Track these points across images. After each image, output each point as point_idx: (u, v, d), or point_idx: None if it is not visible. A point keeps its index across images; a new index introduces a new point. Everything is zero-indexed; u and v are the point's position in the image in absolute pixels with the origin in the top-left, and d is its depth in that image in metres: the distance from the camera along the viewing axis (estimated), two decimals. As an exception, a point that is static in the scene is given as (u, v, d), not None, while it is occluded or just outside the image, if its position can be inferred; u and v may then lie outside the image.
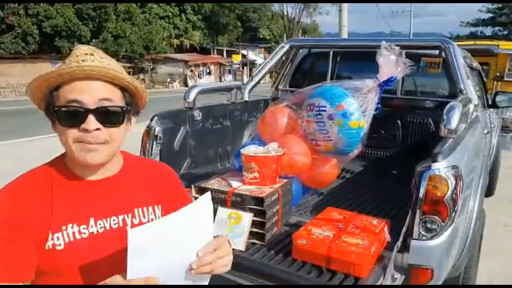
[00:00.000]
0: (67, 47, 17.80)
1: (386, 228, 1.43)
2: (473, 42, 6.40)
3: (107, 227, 0.75)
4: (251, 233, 1.44)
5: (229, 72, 27.40)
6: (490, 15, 25.01)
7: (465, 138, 1.56)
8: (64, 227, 0.71)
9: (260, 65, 2.85)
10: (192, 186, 1.60)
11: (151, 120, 1.83)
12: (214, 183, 1.63)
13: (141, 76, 22.46)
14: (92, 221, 0.73)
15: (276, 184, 1.60)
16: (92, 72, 0.69)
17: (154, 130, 1.79)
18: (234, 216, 1.46)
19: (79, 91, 0.69)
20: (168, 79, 24.04)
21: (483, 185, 1.71)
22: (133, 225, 0.78)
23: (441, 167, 1.26)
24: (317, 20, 42.88)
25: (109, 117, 0.71)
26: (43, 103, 0.73)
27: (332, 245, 1.28)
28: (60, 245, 0.70)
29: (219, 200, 1.53)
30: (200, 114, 2.07)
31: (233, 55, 26.87)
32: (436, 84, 2.59)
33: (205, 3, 27.04)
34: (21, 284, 0.69)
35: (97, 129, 0.69)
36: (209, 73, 26.43)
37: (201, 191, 1.60)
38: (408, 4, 27.04)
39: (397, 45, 1.84)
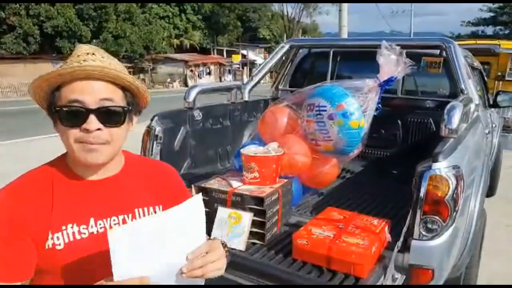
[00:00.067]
0: (67, 47, 17.84)
1: (386, 228, 1.43)
2: (474, 42, 6.39)
3: (107, 227, 0.74)
4: (251, 233, 1.44)
5: (229, 72, 27.41)
6: (491, 14, 24.99)
7: (466, 138, 1.56)
8: (64, 227, 0.71)
9: (260, 65, 2.85)
10: (192, 186, 1.60)
11: (152, 120, 1.83)
12: (214, 183, 1.62)
13: (141, 76, 22.47)
14: (92, 221, 0.73)
15: (276, 184, 1.60)
16: (93, 72, 0.69)
17: (155, 130, 1.79)
18: (234, 216, 1.46)
19: (80, 91, 0.69)
20: (168, 79, 24.05)
21: (484, 185, 1.70)
22: None
23: (441, 167, 1.26)
24: (317, 20, 42.98)
25: (110, 117, 0.71)
26: (45, 102, 0.73)
27: (332, 245, 1.28)
28: (60, 245, 0.70)
29: (219, 200, 1.53)
30: (200, 114, 2.07)
31: (233, 55, 26.87)
32: (437, 84, 2.59)
33: (205, 3, 27.05)
34: (20, 283, 0.69)
35: (98, 129, 0.69)
36: (209, 73, 26.44)
37: (201, 191, 1.60)
38: (408, 4, 27.04)
39: (397, 45, 1.83)
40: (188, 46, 27.36)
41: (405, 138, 2.36)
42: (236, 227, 1.44)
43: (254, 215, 1.45)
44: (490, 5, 24.41)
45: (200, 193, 0.70)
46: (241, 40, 31.03)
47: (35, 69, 16.73)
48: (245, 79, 3.36)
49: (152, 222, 0.61)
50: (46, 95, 0.72)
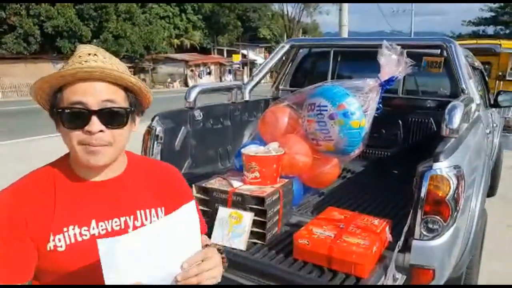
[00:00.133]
0: (68, 47, 17.84)
1: (387, 228, 1.42)
2: (475, 41, 6.38)
3: (109, 229, 0.74)
4: (252, 232, 1.44)
5: (230, 72, 27.41)
6: (492, 14, 24.94)
7: (467, 138, 1.55)
8: (65, 229, 0.71)
9: (260, 65, 2.85)
10: (193, 185, 1.60)
11: (152, 120, 1.83)
12: (215, 183, 1.62)
13: (142, 76, 22.46)
14: (93, 223, 0.73)
15: (277, 184, 1.60)
16: (95, 73, 0.68)
17: (155, 130, 1.79)
18: (235, 216, 1.46)
19: (82, 93, 0.68)
20: (169, 79, 24.05)
21: (485, 185, 1.70)
22: (134, 227, 0.77)
23: (442, 167, 1.25)
24: (318, 20, 42.88)
25: (112, 118, 0.70)
26: (47, 104, 0.73)
27: (333, 245, 1.28)
28: (61, 246, 0.70)
29: (220, 199, 1.53)
30: (201, 114, 2.07)
31: (233, 55, 26.86)
32: (438, 84, 2.58)
33: (205, 3, 27.05)
34: (19, 284, 0.69)
35: (101, 131, 0.69)
36: (209, 73, 26.43)
37: (202, 190, 1.60)
38: (409, 3, 27.00)
39: (398, 45, 1.83)
40: (188, 46, 27.36)
41: (406, 138, 2.36)
42: (237, 226, 1.44)
43: (255, 215, 1.45)
44: (491, 5, 24.39)
45: (193, 201, 0.69)
46: (241, 40, 31.02)
47: (35, 69, 16.75)
48: (246, 79, 3.36)
49: (144, 233, 0.60)
50: (48, 96, 0.72)
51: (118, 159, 0.77)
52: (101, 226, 0.74)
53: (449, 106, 1.48)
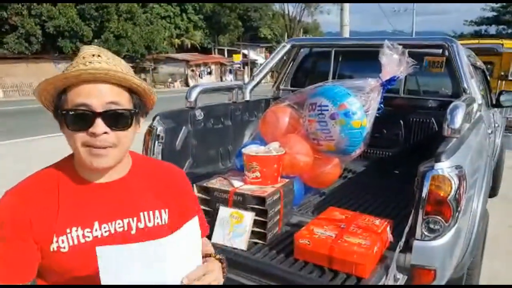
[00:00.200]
0: (69, 47, 17.89)
1: (388, 228, 1.42)
2: (477, 41, 6.37)
3: (112, 231, 0.74)
4: (252, 232, 1.44)
5: (230, 71, 27.42)
6: (494, 13, 24.85)
7: (469, 138, 1.55)
8: (68, 230, 0.71)
9: (261, 64, 2.84)
10: (194, 185, 1.60)
11: (153, 119, 1.83)
12: (215, 183, 1.62)
13: (143, 76, 22.48)
14: (96, 224, 0.73)
15: (278, 184, 1.60)
16: (99, 75, 0.68)
17: (156, 129, 1.79)
18: (236, 216, 1.46)
19: (87, 95, 0.68)
20: (170, 79, 24.08)
21: (487, 185, 1.69)
22: (137, 229, 0.77)
23: (444, 167, 1.25)
24: (318, 19, 42.89)
25: (117, 120, 0.70)
26: (51, 105, 0.73)
27: (334, 245, 1.27)
28: (64, 248, 0.70)
29: (221, 199, 1.53)
30: (202, 113, 2.07)
31: (234, 55, 26.87)
32: (439, 84, 2.58)
33: (206, 3, 27.06)
34: (22, 284, 0.69)
35: (105, 132, 0.68)
36: (210, 73, 26.45)
37: (203, 190, 1.60)
38: (410, 3, 26.93)
39: (399, 44, 1.82)
40: (189, 46, 27.38)
41: (407, 138, 2.35)
42: (237, 226, 1.43)
43: (256, 215, 1.45)
44: (493, 4, 24.31)
45: (196, 217, 0.68)
46: (242, 40, 31.02)
47: (37, 69, 16.81)
48: (246, 79, 3.36)
49: (145, 247, 0.60)
50: (52, 98, 0.72)
51: (123, 160, 0.77)
52: (104, 228, 0.74)
53: (451, 106, 1.47)
